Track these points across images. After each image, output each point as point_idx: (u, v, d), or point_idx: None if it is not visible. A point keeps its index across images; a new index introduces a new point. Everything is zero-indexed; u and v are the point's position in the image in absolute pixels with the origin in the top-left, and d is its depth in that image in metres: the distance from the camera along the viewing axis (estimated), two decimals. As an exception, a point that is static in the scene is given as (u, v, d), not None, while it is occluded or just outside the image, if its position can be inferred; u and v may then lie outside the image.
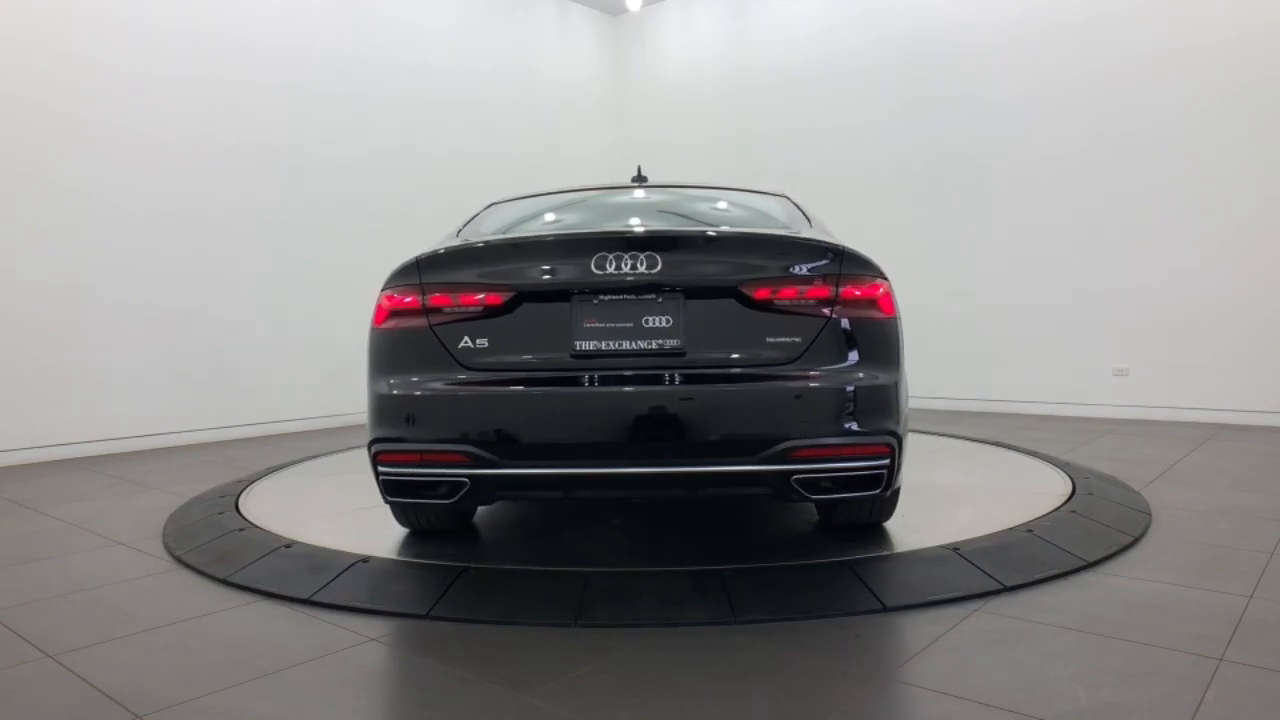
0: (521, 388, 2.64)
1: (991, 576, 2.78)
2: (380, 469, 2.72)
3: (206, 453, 5.87)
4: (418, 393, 2.66)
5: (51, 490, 4.72)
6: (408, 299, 2.73)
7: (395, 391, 2.68)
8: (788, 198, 3.57)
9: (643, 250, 2.61)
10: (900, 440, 2.65)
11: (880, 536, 3.19)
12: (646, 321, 2.62)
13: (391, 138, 7.66)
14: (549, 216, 3.43)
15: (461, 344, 2.67)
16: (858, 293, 2.63)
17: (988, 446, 5.30)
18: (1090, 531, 3.28)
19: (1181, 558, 3.09)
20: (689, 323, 2.60)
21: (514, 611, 2.60)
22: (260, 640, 2.50)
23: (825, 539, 3.20)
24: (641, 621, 2.53)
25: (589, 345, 2.62)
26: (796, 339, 2.58)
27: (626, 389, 2.57)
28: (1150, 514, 3.65)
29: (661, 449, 2.56)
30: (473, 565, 2.92)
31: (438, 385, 2.65)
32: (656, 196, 3.56)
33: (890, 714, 1.95)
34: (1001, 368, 7.46)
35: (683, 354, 2.59)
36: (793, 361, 2.56)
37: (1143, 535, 3.35)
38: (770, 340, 2.58)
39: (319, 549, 3.19)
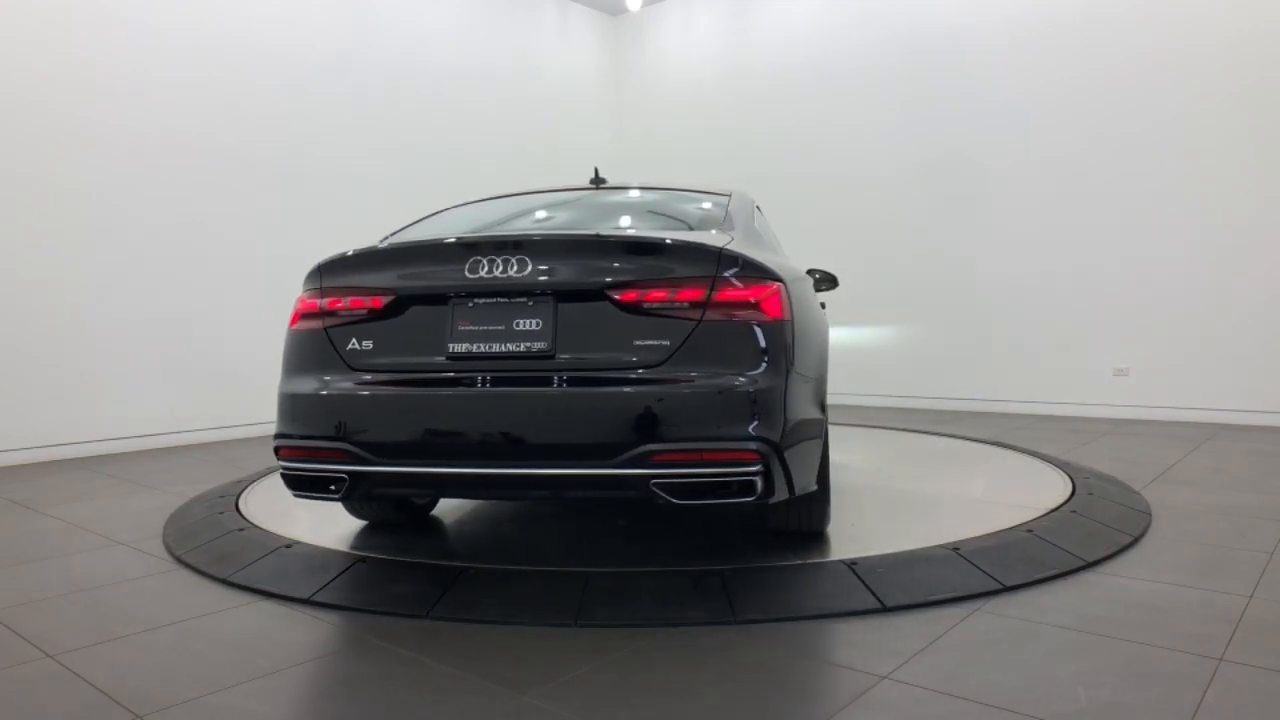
0: (396, 389, 2.69)
1: (991, 576, 2.78)
2: (280, 464, 2.82)
3: (206, 453, 5.87)
4: (309, 392, 2.76)
5: (51, 490, 4.72)
6: (311, 302, 2.87)
7: (293, 390, 2.79)
8: (730, 197, 3.43)
9: (514, 254, 2.63)
10: (776, 446, 2.50)
11: (880, 536, 3.19)
12: (517, 324, 2.63)
13: (392, 137, 7.66)
14: (472, 219, 3.44)
15: (349, 346, 2.76)
16: (736, 296, 2.55)
17: (988, 446, 5.30)
18: (1090, 531, 3.28)
19: (1181, 558, 3.09)
20: (560, 326, 2.60)
21: (514, 611, 2.61)
22: (260, 640, 2.50)
23: (823, 539, 3.20)
24: (641, 621, 2.53)
25: (462, 348, 2.65)
26: (664, 342, 2.53)
27: (492, 390, 2.59)
28: (1150, 514, 3.65)
29: (524, 450, 2.54)
30: (473, 565, 2.92)
31: (326, 385, 2.74)
32: (595, 199, 3.59)
33: (890, 714, 1.95)
34: (1001, 368, 7.46)
35: (551, 357, 2.59)
36: (659, 365, 2.52)
37: (1143, 535, 3.35)
38: (638, 343, 2.55)
39: (319, 549, 3.19)
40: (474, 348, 2.64)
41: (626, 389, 2.51)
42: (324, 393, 2.72)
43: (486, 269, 2.63)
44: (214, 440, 6.41)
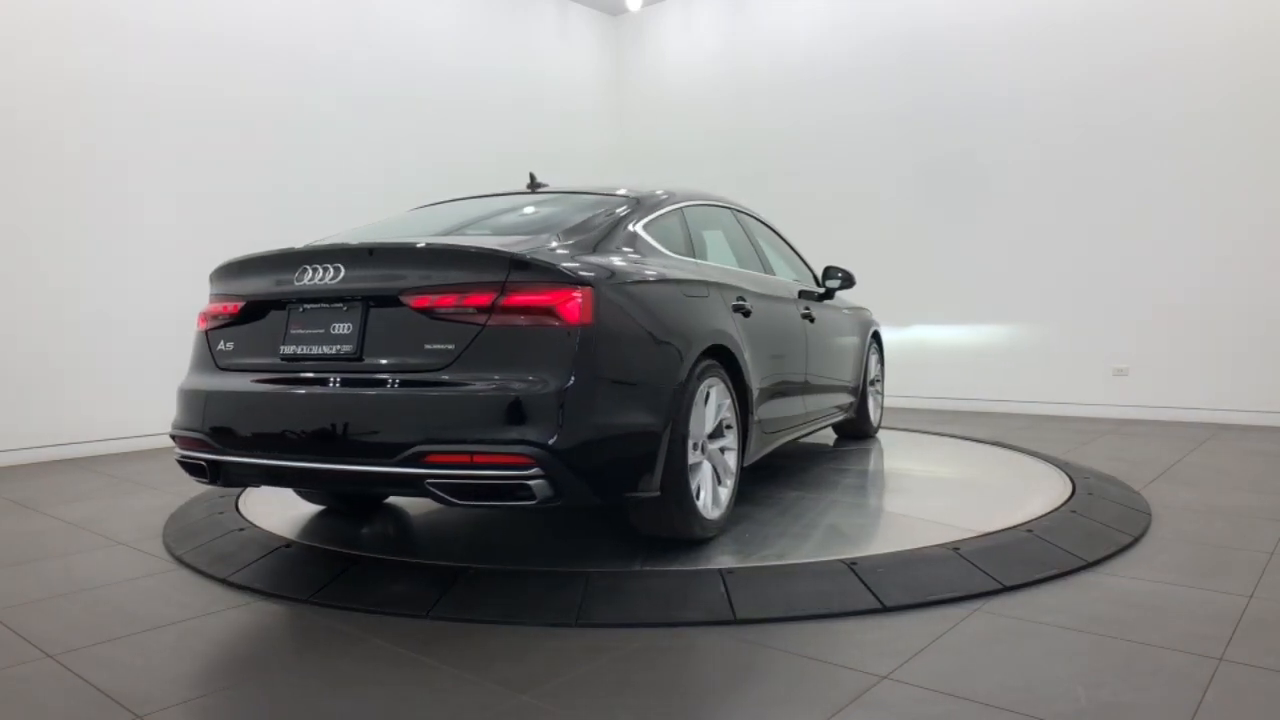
0: (241, 387, 2.91)
1: (991, 576, 2.78)
2: (176, 451, 3.10)
3: (206, 453, 5.86)
4: (189, 388, 3.05)
5: (51, 490, 4.72)
6: (205, 307, 3.19)
7: (182, 385, 3.11)
8: (638, 201, 3.41)
9: (332, 262, 2.79)
10: (556, 451, 2.50)
11: (880, 536, 3.19)
12: (333, 328, 2.78)
13: (391, 137, 7.66)
14: (390, 225, 3.68)
15: (219, 347, 3.05)
16: (526, 301, 2.60)
17: (988, 446, 5.30)
18: (1090, 531, 3.28)
19: (1181, 558, 3.09)
20: (366, 330, 2.73)
21: (514, 611, 2.61)
22: (260, 640, 2.50)
23: (824, 539, 3.20)
24: (641, 621, 2.53)
25: (291, 350, 2.84)
26: (450, 346, 2.60)
27: (304, 390, 2.76)
28: (1150, 514, 3.65)
29: (328, 447, 2.68)
30: (473, 565, 2.92)
31: (199, 382, 3.03)
32: (498, 205, 3.70)
33: (890, 714, 1.95)
34: (1001, 368, 7.46)
35: (359, 359, 2.72)
36: (443, 368, 2.59)
37: (1143, 535, 3.35)
38: (428, 347, 2.63)
39: (319, 549, 3.19)
40: (299, 350, 2.83)
41: (407, 391, 2.61)
42: (197, 389, 3.01)
43: (311, 277, 2.81)
44: (214, 440, 6.40)
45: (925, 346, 7.87)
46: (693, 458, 3.01)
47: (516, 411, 2.50)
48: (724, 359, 3.28)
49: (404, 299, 2.67)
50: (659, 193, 3.61)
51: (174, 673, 2.29)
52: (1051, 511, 3.49)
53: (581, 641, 2.42)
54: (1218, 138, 6.40)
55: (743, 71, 9.04)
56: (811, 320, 4.38)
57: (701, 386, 3.05)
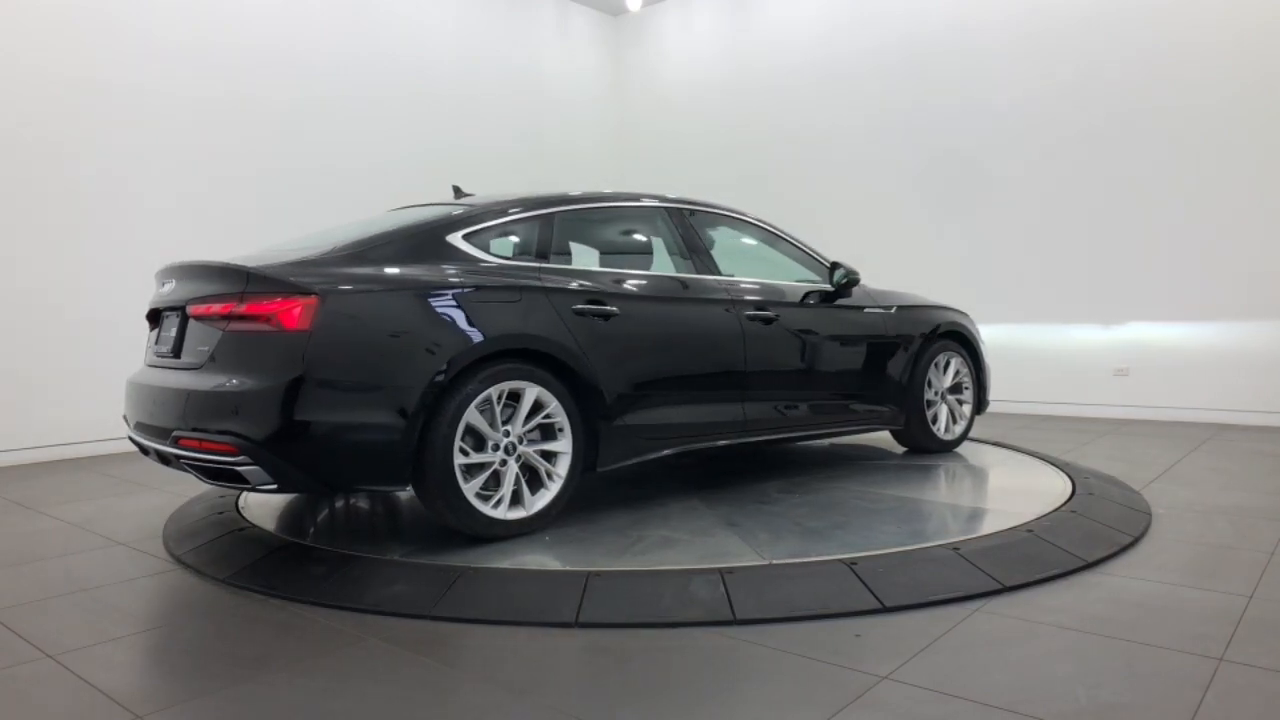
0: (134, 380, 3.48)
1: (991, 576, 2.78)
2: None
3: (206, 453, 5.86)
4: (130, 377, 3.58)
5: (51, 490, 4.72)
6: None
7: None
8: (460, 211, 3.56)
9: (171, 278, 3.36)
10: (262, 443, 2.82)
11: (880, 536, 3.18)
12: (170, 332, 3.34)
13: (391, 138, 7.65)
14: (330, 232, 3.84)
15: (147, 345, 3.62)
16: (256, 310, 2.93)
17: (987, 446, 5.30)
18: (1090, 531, 3.28)
19: (1181, 558, 3.09)
20: (185, 334, 3.23)
21: (514, 611, 2.61)
22: (260, 640, 2.50)
23: (824, 539, 3.20)
24: (641, 621, 2.53)
25: (158, 349, 3.41)
26: (206, 348, 3.06)
27: (146, 383, 3.33)
28: (1150, 514, 3.65)
29: (149, 431, 3.24)
30: (473, 565, 2.92)
31: (133, 375, 3.55)
32: (392, 216, 3.82)
33: (890, 714, 1.95)
34: (1001, 367, 7.44)
35: (179, 357, 3.23)
36: (200, 367, 3.05)
37: (1143, 535, 3.35)
38: (198, 348, 3.11)
39: (319, 549, 3.19)
40: (158, 350, 3.39)
41: (177, 384, 3.11)
42: (129, 381, 3.52)
43: (164, 289, 3.42)
44: (214, 440, 6.40)
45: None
46: (481, 458, 3.13)
47: (228, 405, 2.89)
48: (545, 361, 3.31)
49: (188, 308, 3.18)
50: (510, 202, 3.69)
51: (174, 673, 2.29)
52: (1051, 511, 3.49)
53: (581, 641, 2.42)
54: (1218, 137, 6.40)
55: (742, 71, 9.04)
56: (766, 322, 4.08)
57: (493, 389, 3.15)
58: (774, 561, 2.92)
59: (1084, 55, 6.96)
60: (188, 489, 4.43)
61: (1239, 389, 6.38)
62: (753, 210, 4.65)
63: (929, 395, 4.86)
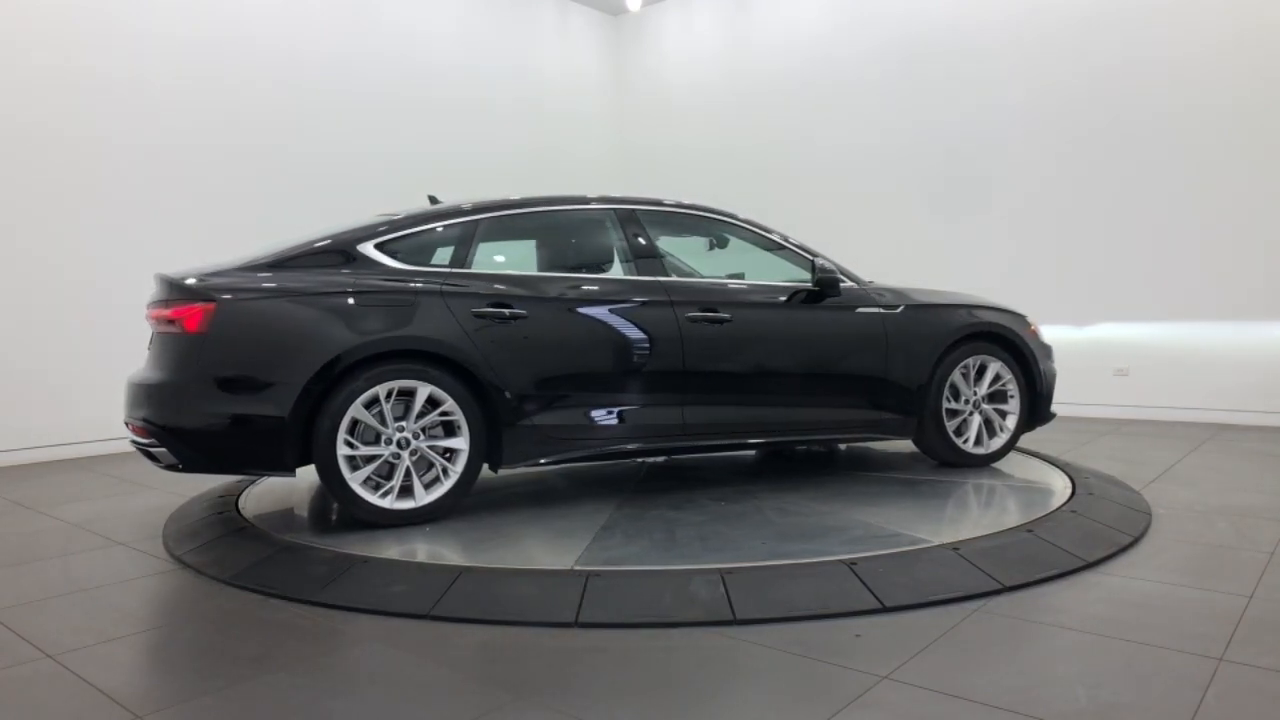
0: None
1: (991, 576, 2.78)
2: None
3: (206, 453, 5.86)
4: None
5: (51, 490, 4.72)
6: None
7: None
8: (382, 220, 3.79)
9: (156, 285, 3.61)
10: (163, 428, 3.28)
11: (880, 536, 3.18)
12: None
13: (391, 138, 7.65)
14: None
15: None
16: (172, 314, 3.36)
17: (988, 446, 5.28)
18: (1090, 531, 3.28)
19: (1181, 558, 3.09)
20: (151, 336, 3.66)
21: (514, 611, 2.61)
22: (260, 640, 2.50)
23: (824, 539, 3.19)
24: (642, 621, 2.53)
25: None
26: (151, 346, 3.54)
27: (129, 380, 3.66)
28: (1150, 514, 3.65)
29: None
30: (473, 565, 2.92)
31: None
32: (349, 222, 4.02)
33: (890, 714, 1.95)
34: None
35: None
36: (150, 363, 3.49)
37: (1143, 535, 3.35)
38: (150, 347, 3.56)
39: (319, 549, 3.18)
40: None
41: (132, 381, 3.52)
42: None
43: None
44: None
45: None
46: (369, 450, 3.35)
47: (145, 395, 3.37)
48: (442, 361, 3.44)
49: (147, 311, 3.58)
50: (434, 212, 3.86)
51: (174, 673, 2.29)
52: (1051, 511, 3.49)
53: (581, 641, 2.42)
54: (1218, 137, 6.40)
55: (743, 71, 9.03)
56: (716, 323, 3.88)
57: (380, 388, 3.35)
58: (775, 561, 2.91)
59: (1084, 55, 6.96)
60: (188, 489, 4.43)
61: (1239, 389, 6.38)
62: (752, 211, 4.63)
63: (954, 404, 4.37)
